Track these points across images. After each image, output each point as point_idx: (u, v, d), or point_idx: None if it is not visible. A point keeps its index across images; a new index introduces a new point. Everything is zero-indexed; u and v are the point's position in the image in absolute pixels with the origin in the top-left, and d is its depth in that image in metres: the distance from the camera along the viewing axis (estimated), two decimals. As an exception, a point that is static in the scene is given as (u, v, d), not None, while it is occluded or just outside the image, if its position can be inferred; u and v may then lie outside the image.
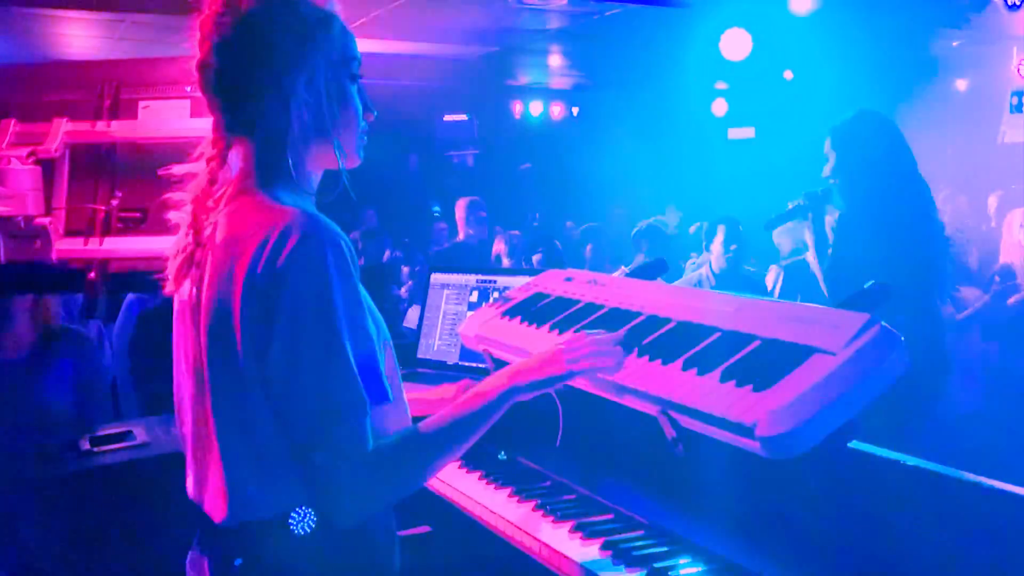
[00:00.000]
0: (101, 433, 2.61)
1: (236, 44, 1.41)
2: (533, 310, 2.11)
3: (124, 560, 2.37)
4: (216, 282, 1.37)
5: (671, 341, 1.72)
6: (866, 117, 3.04)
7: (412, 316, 4.50)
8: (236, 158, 1.46)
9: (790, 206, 3.19)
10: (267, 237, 1.31)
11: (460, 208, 6.52)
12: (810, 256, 3.17)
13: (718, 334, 1.66)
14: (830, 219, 3.15)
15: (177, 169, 1.47)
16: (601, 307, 1.99)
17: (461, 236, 6.48)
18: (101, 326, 3.88)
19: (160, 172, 1.46)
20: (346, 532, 1.36)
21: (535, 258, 5.46)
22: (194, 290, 1.42)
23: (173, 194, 1.48)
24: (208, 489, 1.43)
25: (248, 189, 1.43)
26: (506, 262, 6.10)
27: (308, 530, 1.35)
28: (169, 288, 1.48)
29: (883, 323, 1.46)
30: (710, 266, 4.98)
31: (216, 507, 1.41)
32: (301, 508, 1.35)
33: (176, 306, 1.51)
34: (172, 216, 1.49)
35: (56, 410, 2.76)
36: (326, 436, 1.29)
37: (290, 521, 1.35)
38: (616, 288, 2.06)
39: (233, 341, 1.33)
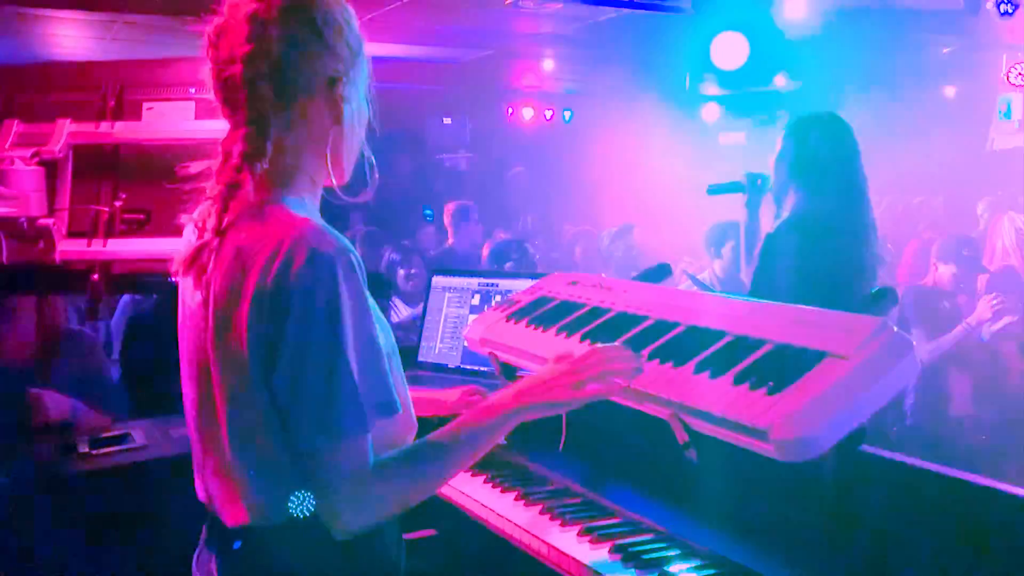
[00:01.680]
0: (100, 436, 2.59)
1: (266, 43, 1.38)
2: (539, 313, 2.11)
3: (122, 563, 2.35)
4: (226, 291, 1.35)
5: (681, 344, 1.72)
6: (825, 116, 2.90)
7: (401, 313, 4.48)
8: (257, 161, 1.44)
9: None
10: (276, 250, 1.30)
11: (447, 214, 6.54)
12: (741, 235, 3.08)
13: (729, 337, 1.66)
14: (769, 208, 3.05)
15: (194, 167, 1.46)
16: (607, 311, 1.99)
17: (450, 242, 6.48)
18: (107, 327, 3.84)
19: (178, 170, 1.44)
20: (354, 539, 1.35)
21: (507, 266, 5.07)
22: (201, 296, 1.41)
23: (191, 193, 1.47)
24: (217, 492, 1.43)
25: (264, 194, 1.41)
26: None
27: (315, 537, 1.34)
28: (175, 272, 1.45)
29: (895, 327, 1.46)
30: (713, 271, 4.95)
31: (226, 510, 1.41)
32: (308, 515, 1.34)
33: (181, 311, 1.50)
34: (183, 217, 1.49)
35: (55, 412, 2.74)
36: (326, 455, 1.30)
37: (297, 527, 1.35)
38: (622, 291, 2.06)
39: (241, 351, 1.33)
